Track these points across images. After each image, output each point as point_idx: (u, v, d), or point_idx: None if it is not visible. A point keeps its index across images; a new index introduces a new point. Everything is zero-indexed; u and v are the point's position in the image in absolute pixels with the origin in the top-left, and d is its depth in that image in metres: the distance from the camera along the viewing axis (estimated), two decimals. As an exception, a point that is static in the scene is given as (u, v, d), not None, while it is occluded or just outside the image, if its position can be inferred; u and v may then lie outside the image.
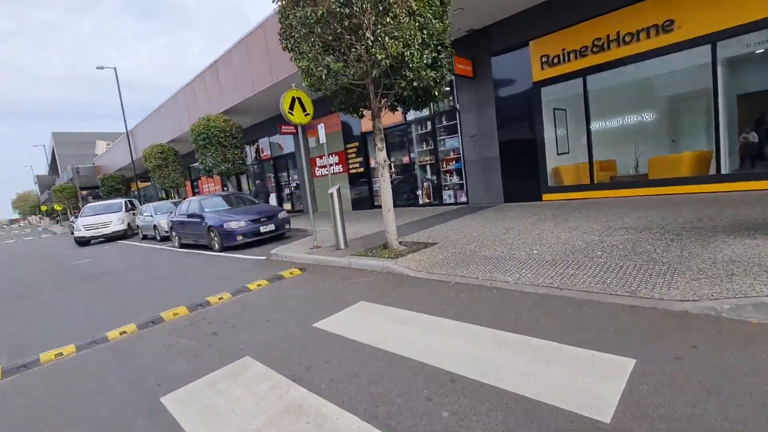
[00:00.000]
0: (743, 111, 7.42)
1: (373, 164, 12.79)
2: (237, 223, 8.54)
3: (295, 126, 15.13)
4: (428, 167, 11.17)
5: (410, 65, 4.53)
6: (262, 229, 8.76)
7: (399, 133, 11.71)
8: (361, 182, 13.07)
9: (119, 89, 22.61)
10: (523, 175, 8.93)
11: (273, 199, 17.88)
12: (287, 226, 9.39)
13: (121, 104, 23.04)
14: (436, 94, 5.19)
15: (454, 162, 10.42)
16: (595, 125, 8.26)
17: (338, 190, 6.37)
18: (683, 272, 3.24)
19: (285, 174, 17.23)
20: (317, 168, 14.78)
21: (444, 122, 10.49)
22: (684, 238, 4.14)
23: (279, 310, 4.08)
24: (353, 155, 13.13)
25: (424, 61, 4.58)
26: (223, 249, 8.71)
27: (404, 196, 12.06)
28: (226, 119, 13.54)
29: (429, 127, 10.76)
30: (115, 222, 15.84)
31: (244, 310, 4.27)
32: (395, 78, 4.93)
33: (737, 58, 7.29)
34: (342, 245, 6.32)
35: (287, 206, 17.21)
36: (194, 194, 25.90)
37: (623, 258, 3.84)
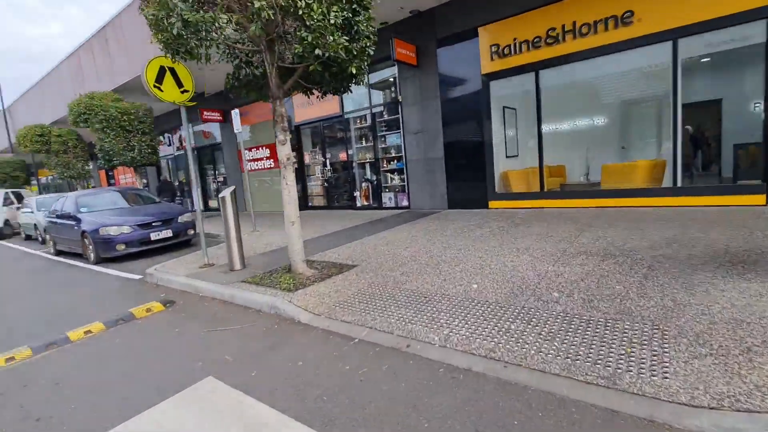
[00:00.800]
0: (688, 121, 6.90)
1: (307, 160, 11.32)
2: (117, 229, 6.73)
3: (221, 113, 13.31)
4: (368, 166, 9.92)
5: (307, 23, 3.21)
6: (154, 236, 7.01)
7: (336, 126, 10.33)
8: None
9: None
10: (469, 180, 7.95)
11: (196, 197, 15.72)
12: (191, 232, 7.69)
13: None
14: (353, 72, 3.90)
15: (395, 161, 9.25)
16: (546, 127, 7.45)
17: (233, 194, 4.89)
18: (676, 339, 2.24)
19: (212, 167, 15.18)
20: (247, 162, 12.98)
21: (385, 116, 9.27)
22: (659, 274, 3.22)
23: (73, 395, 2.59)
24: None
25: (331, 20, 3.27)
26: (100, 260, 6.86)
27: (341, 197, 10.72)
28: (119, 98, 11.35)
29: (369, 121, 9.49)
30: None
31: (22, 390, 2.72)
32: (290, 41, 3.59)
33: (694, 61, 6.75)
34: (237, 265, 4.87)
35: (213, 204, 15.19)
36: (109, 186, 22.72)
37: (588, 305, 2.81)
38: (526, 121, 8.61)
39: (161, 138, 17.13)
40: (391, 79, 8.91)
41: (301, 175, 11.32)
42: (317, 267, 4.55)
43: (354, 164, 10.02)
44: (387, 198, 9.44)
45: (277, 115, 4.15)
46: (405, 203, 9.09)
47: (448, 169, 8.19)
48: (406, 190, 8.99)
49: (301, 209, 11.28)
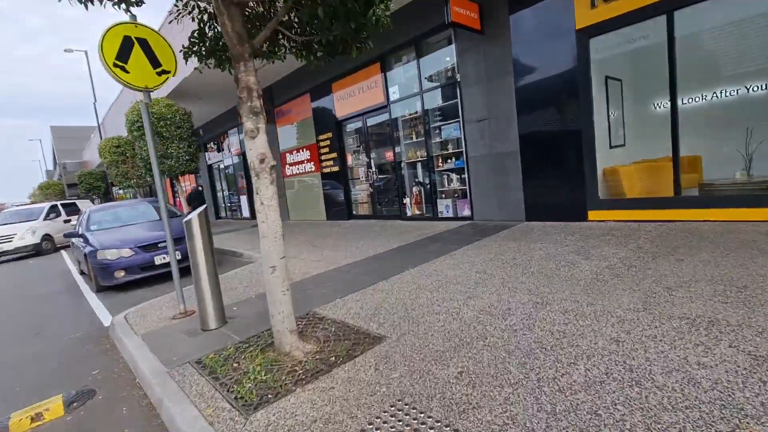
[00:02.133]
0: None
1: (350, 161, 9.73)
2: (116, 252, 5.64)
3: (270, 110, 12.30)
4: (419, 166, 8.04)
5: None
6: (159, 259, 5.84)
7: (381, 119, 8.60)
8: (336, 185, 10.03)
9: (90, 74, 20.26)
10: (557, 181, 5.72)
11: (244, 206, 15.06)
12: (206, 252, 6.42)
13: (93, 90, 20.66)
14: (371, 14, 2.09)
15: (453, 159, 7.26)
16: (685, 98, 4.99)
17: (202, 215, 3.32)
18: None
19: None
20: (287, 166, 11.81)
21: (439, 101, 7.33)
22: None
23: None
24: (326, 150, 10.09)
25: None
26: (101, 289, 5.84)
27: (389, 204, 8.97)
28: (169, 103, 10.68)
29: (418, 109, 7.61)
30: (23, 234, 12.16)
31: None
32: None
33: None
34: (211, 322, 3.30)
35: (259, 211, 14.33)
36: (174, 196, 23.43)
37: None
38: (636, 95, 6.15)
39: (212, 144, 16.87)
40: (447, 57, 6.93)
41: (344, 178, 9.77)
42: (319, 335, 2.81)
43: (403, 164, 8.20)
44: (443, 206, 7.48)
45: (241, 88, 2.47)
46: (466, 212, 7.06)
47: (526, 168, 6.02)
48: (468, 196, 6.96)
49: (344, 219, 9.77)
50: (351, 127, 9.51)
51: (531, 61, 5.76)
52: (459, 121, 6.91)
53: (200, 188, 13.92)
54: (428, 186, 7.75)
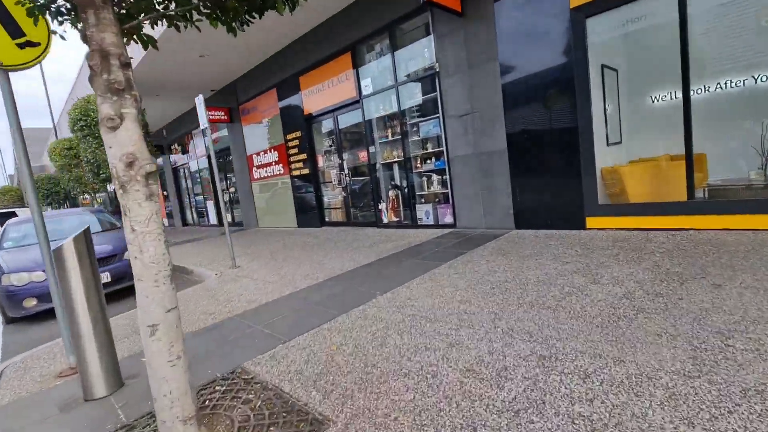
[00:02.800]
0: None
1: (321, 163, 8.85)
2: (25, 277, 4.63)
3: (226, 111, 11.28)
4: (395, 168, 7.24)
5: None
6: (82, 282, 4.83)
7: (353, 116, 7.76)
8: (307, 189, 9.14)
9: (42, 70, 18.74)
10: (550, 183, 5.01)
11: (211, 211, 13.97)
12: (146, 271, 5.44)
13: (45, 90, 19.11)
14: None
15: (433, 159, 6.49)
16: (678, 90, 4.34)
17: (81, 239, 2.41)
18: None
19: (223, 175, 13.27)
20: (255, 168, 10.83)
21: (417, 95, 6.55)
22: None
23: None
24: (295, 150, 9.18)
25: None
26: (10, 320, 4.81)
27: (364, 210, 8.14)
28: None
29: (394, 104, 6.80)
30: None
31: None
32: None
33: None
34: (98, 388, 2.39)
35: (228, 217, 13.29)
36: (140, 198, 21.99)
37: None
38: (631, 87, 5.51)
39: (176, 146, 15.68)
40: (425, 45, 6.15)
41: (316, 182, 8.88)
42: (236, 416, 1.95)
43: (378, 166, 7.37)
44: (422, 212, 6.69)
45: (92, 52, 1.59)
46: (448, 219, 6.29)
47: (515, 169, 5.29)
48: (450, 200, 6.20)
49: (316, 225, 8.88)
50: (321, 125, 8.64)
51: (519, 47, 5.03)
52: (439, 117, 6.14)
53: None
54: (406, 190, 6.95)
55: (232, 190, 12.70)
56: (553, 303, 2.72)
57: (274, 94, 9.37)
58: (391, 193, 7.26)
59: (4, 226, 5.98)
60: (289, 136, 9.24)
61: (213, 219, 13.93)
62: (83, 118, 9.10)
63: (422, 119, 6.50)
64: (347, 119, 7.93)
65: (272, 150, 9.96)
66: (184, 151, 15.10)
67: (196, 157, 14.19)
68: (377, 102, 7.14)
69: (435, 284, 3.51)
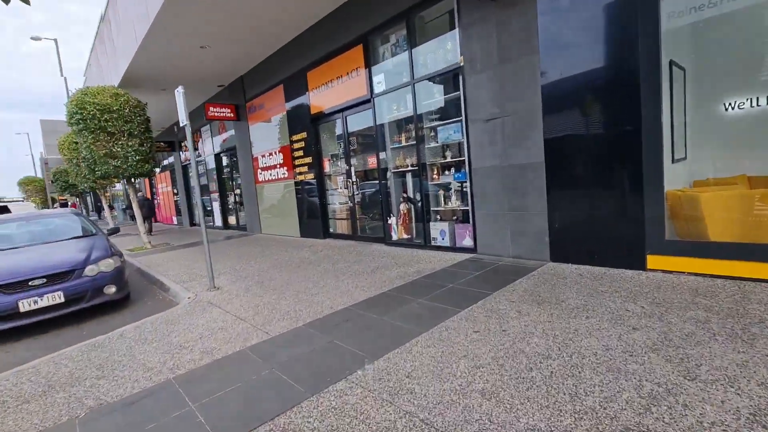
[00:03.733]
0: None
1: (327, 168, 7.98)
2: (-43, 295, 3.90)
3: (232, 108, 10.57)
4: (408, 177, 6.30)
5: None
6: (27, 304, 4.09)
7: (364, 116, 6.86)
8: (312, 195, 8.29)
9: (60, 64, 18.65)
10: (601, 207, 3.96)
11: (217, 213, 13.33)
12: (111, 290, 4.68)
13: (65, 83, 19.03)
14: None
15: (452, 170, 5.51)
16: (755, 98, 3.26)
17: None
18: None
19: (230, 175, 12.61)
20: (260, 170, 10.08)
21: (436, 94, 5.60)
22: None
23: None
24: (300, 153, 8.35)
25: None
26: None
27: (372, 222, 7.23)
28: (117, 93, 8.97)
29: (410, 104, 5.87)
30: None
31: None
32: None
33: None
34: None
35: (232, 220, 12.61)
36: (151, 195, 21.70)
37: None
38: (702, 89, 4.41)
39: (185, 143, 15.17)
40: (447, 35, 5.20)
41: (321, 188, 8.03)
42: None
43: (389, 174, 6.44)
44: (437, 231, 5.71)
45: None
46: (467, 242, 5.30)
47: (555, 186, 4.27)
48: (470, 220, 5.21)
49: (319, 236, 7.99)
50: (328, 125, 7.78)
51: (566, 36, 4.01)
52: (461, 121, 5.17)
53: (146, 196, 12.18)
54: (419, 203, 5.99)
55: (237, 191, 12.02)
56: (633, 419, 1.72)
57: (281, 92, 8.58)
58: (402, 206, 6.32)
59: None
60: (294, 137, 8.42)
61: (218, 221, 13.30)
62: (79, 111, 8.52)
63: (441, 123, 5.54)
64: (357, 120, 7.04)
65: (277, 151, 9.17)
66: (195, 149, 14.54)
67: (204, 155, 13.61)
68: (390, 101, 6.22)
69: (446, 350, 2.54)
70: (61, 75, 18.43)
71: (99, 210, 30.76)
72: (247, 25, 6.99)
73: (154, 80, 9.77)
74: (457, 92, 5.17)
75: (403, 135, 6.15)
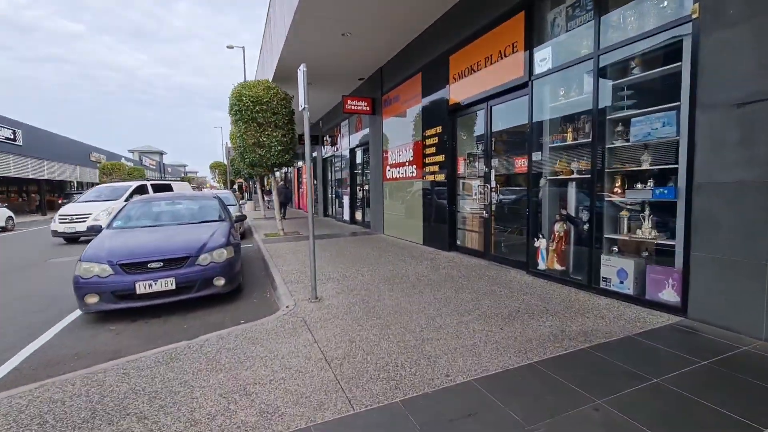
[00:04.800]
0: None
1: (462, 169, 6.75)
2: (92, 268, 4.07)
3: (368, 102, 10.18)
4: (571, 187, 4.62)
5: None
6: (144, 287, 4.07)
7: (513, 106, 5.41)
8: (441, 199, 7.19)
9: (244, 68, 21.82)
10: None
11: (346, 207, 13.42)
12: (220, 282, 4.47)
13: (244, 74, 22.23)
14: None
15: (650, 182, 3.67)
16: None
17: None
18: None
19: (360, 171, 12.47)
20: (389, 167, 9.47)
21: (635, 69, 3.81)
22: None
23: None
24: (432, 150, 7.33)
25: None
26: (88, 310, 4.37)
27: (508, 242, 5.74)
28: (269, 86, 9.46)
29: (587, 85, 4.20)
30: (98, 214, 10.32)
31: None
32: None
33: None
34: None
35: (359, 216, 12.47)
36: (298, 184, 23.83)
37: None
38: None
39: (326, 138, 15.83)
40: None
41: (452, 192, 6.86)
42: None
43: (543, 182, 4.87)
44: (612, 269, 3.92)
45: None
46: (668, 296, 3.42)
47: None
48: (680, 261, 3.32)
49: (444, 248, 6.61)
50: (468, 119, 6.53)
51: None
52: (678, 107, 3.33)
53: (286, 186, 12.73)
54: (585, 225, 4.29)
55: (366, 187, 11.76)
56: None
57: (419, 81, 7.69)
58: (557, 226, 4.67)
59: (128, 204, 5.94)
60: (427, 132, 7.44)
61: (347, 215, 13.39)
62: (237, 103, 9.25)
63: (639, 112, 3.74)
64: (504, 112, 5.63)
65: (407, 147, 8.35)
66: (333, 143, 15.06)
67: (341, 150, 13.87)
68: (557, 83, 4.63)
69: None
70: (245, 78, 21.60)
71: (250, 195, 34.22)
72: (386, 11, 6.29)
73: (310, 76, 10.00)
74: (676, 63, 3.34)
75: (570, 129, 4.50)
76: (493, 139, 5.86)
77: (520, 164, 5.29)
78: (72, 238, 10.62)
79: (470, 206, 6.55)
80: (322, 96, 12.56)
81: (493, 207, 5.86)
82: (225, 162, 41.09)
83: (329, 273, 5.48)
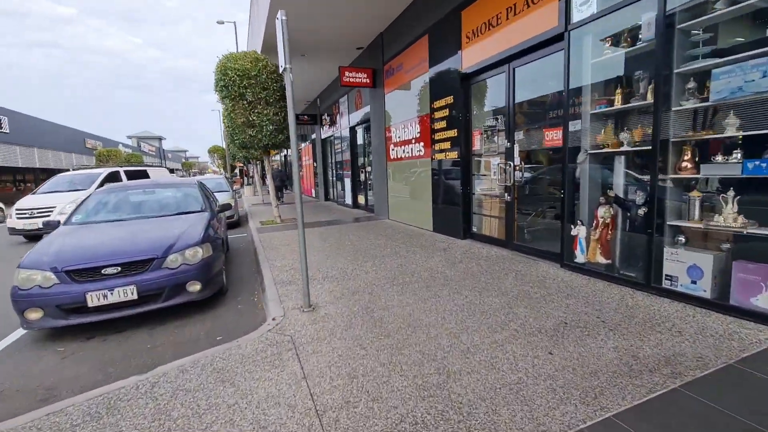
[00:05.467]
0: None
1: (477, 145, 5.86)
2: (32, 275, 3.30)
3: (368, 73, 9.15)
4: (619, 163, 3.75)
5: None
6: (96, 298, 3.30)
7: (542, 66, 4.48)
8: (451, 179, 6.34)
9: (237, 44, 20.61)
10: None
11: (348, 190, 12.56)
12: (195, 287, 3.70)
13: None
14: None
15: (738, 154, 2.79)
16: None
17: None
18: None
19: (362, 151, 11.57)
20: (392, 146, 8.57)
21: (720, 3, 2.87)
22: None
23: None
24: (442, 124, 6.42)
25: None
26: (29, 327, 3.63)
27: (536, 228, 4.93)
28: (257, 57, 8.49)
29: (649, 32, 3.27)
30: (64, 207, 8.42)
31: None
32: None
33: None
34: None
35: (361, 199, 11.63)
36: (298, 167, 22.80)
37: None
38: None
39: (325, 117, 14.83)
40: None
41: (466, 172, 6.00)
42: None
43: (582, 157, 3.99)
44: (680, 265, 3.10)
45: None
46: (766, 302, 2.61)
47: None
48: (784, 260, 2.49)
49: (457, 235, 6.09)
50: (484, 86, 5.60)
51: None
52: (792, 49, 2.42)
53: (279, 168, 11.90)
54: (641, 210, 3.44)
55: (369, 169, 10.88)
56: None
57: (425, 44, 6.71)
58: (601, 210, 3.83)
59: (92, 195, 5.12)
60: (436, 104, 6.51)
61: (349, 199, 12.57)
62: (222, 78, 8.30)
63: (726, 60, 2.82)
64: (532, 74, 4.70)
65: (413, 123, 7.44)
66: (333, 122, 14.08)
67: (341, 129, 12.92)
68: (603, 31, 3.70)
69: None
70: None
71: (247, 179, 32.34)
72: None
73: (292, 42, 8.93)
74: (789, -12, 2.41)
75: (619, 91, 3.60)
76: (516, 109, 4.96)
77: (552, 137, 4.41)
78: (36, 236, 8.56)
79: (488, 187, 5.70)
80: (318, 71, 11.54)
81: (517, 188, 5.01)
82: (223, 146, 40.08)
83: (327, 269, 4.71)
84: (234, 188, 24.26)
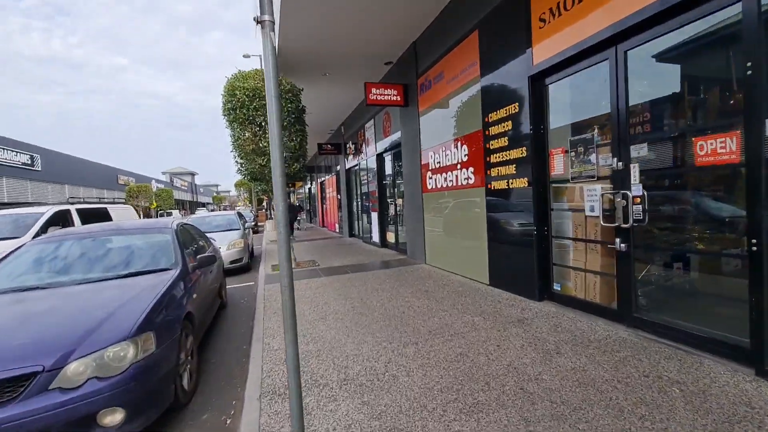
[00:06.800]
0: None
1: (557, 166, 4.14)
2: None
3: (399, 90, 7.60)
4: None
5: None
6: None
7: (684, 36, 2.80)
8: (517, 212, 4.60)
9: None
10: None
11: (375, 225, 10.99)
12: (117, 419, 2.09)
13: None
14: None
15: None
16: None
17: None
18: None
19: (391, 180, 10.04)
20: (430, 173, 6.97)
21: None
22: None
23: None
24: (501, 143, 4.77)
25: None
26: None
27: (669, 294, 3.07)
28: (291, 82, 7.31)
29: None
30: None
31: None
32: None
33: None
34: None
35: (391, 237, 9.98)
36: (322, 199, 21.70)
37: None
38: None
39: (350, 144, 13.57)
40: None
41: (541, 203, 4.26)
42: None
43: (748, 168, 2.21)
44: None
45: None
46: None
47: None
48: None
49: (531, 296, 4.31)
50: (567, 85, 3.96)
51: None
52: None
53: (293, 203, 10.64)
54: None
55: (399, 201, 9.31)
56: None
57: (474, 43, 5.22)
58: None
59: (33, 244, 3.74)
60: (491, 116, 4.91)
61: (376, 236, 10.97)
62: (230, 100, 7.14)
63: None
64: (658, 55, 3.03)
65: (458, 143, 5.85)
66: (357, 151, 12.78)
67: (367, 157, 11.55)
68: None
69: None
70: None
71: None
72: None
73: (311, 58, 7.72)
74: None
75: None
76: (632, 113, 3.27)
77: (711, 149, 2.66)
78: None
79: (579, 226, 3.93)
80: (342, 94, 10.33)
81: (634, 229, 3.23)
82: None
83: (346, 360, 3.03)
84: (255, 223, 23.13)
